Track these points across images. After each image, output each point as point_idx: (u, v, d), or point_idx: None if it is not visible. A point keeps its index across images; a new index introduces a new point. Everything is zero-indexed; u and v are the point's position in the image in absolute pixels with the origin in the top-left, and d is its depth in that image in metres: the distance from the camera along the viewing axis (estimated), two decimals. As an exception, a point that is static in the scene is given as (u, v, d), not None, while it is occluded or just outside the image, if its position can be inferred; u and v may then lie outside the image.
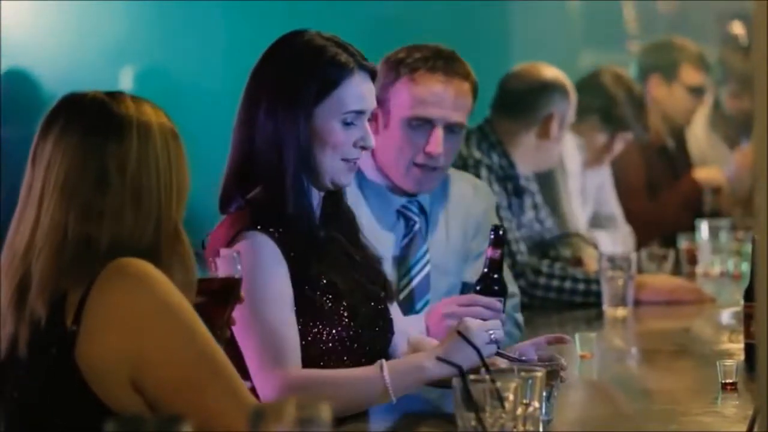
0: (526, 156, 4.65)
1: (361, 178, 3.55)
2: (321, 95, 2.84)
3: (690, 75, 6.10)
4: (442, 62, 3.52)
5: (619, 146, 5.34)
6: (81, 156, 2.31)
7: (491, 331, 2.71)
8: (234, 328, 2.66)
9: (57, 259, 2.29)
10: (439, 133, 3.49)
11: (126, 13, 5.64)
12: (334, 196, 2.96)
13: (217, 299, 2.51)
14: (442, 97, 3.49)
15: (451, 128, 3.51)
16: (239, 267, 2.53)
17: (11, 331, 2.31)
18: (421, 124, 3.51)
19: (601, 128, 5.27)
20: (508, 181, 4.57)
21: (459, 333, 2.94)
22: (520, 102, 4.66)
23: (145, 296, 2.26)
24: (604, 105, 5.26)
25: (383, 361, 2.74)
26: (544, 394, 2.47)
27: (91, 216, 2.30)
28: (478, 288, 3.14)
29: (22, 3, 5.32)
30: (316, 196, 2.91)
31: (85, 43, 5.70)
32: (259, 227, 2.78)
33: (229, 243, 2.76)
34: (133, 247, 2.30)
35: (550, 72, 4.78)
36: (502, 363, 2.72)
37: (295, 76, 2.84)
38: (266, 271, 2.75)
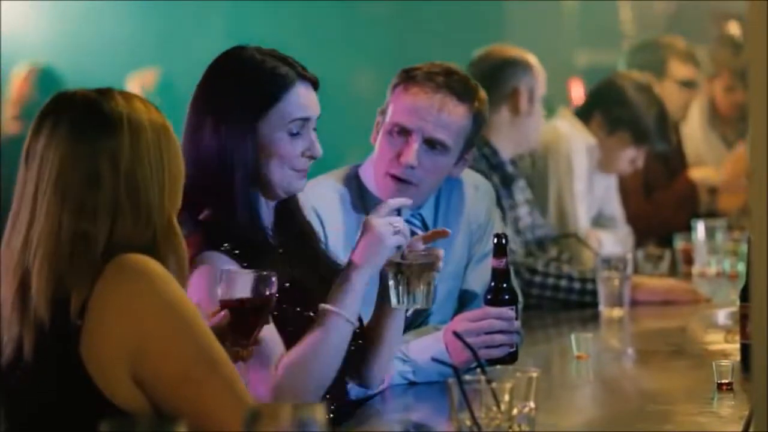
0: (504, 137, 4.63)
1: (363, 191, 3.53)
2: (264, 108, 2.86)
3: (679, 69, 6.10)
4: (443, 78, 3.46)
5: (642, 159, 5.33)
6: (72, 154, 2.32)
7: (396, 224, 2.82)
8: None
9: (54, 258, 2.30)
10: (414, 143, 3.42)
11: (147, 13, 5.66)
12: (288, 208, 2.97)
13: (247, 317, 2.54)
14: (425, 109, 3.43)
15: (432, 144, 3.44)
16: (273, 289, 2.55)
17: (16, 334, 2.31)
18: (401, 134, 3.45)
19: (632, 143, 5.26)
20: (493, 172, 4.54)
21: (454, 333, 2.95)
22: (484, 83, 4.66)
23: (145, 291, 2.28)
24: (636, 122, 5.24)
25: (321, 306, 2.78)
26: (426, 282, 2.80)
27: (85, 213, 2.31)
28: (488, 298, 3.14)
29: (46, 3, 5.35)
30: (267, 210, 2.92)
31: (108, 43, 5.73)
32: (214, 247, 2.78)
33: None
34: (131, 242, 2.31)
35: (510, 50, 4.79)
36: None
37: (237, 93, 2.86)
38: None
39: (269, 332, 2.74)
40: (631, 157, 5.28)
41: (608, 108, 5.25)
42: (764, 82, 1.92)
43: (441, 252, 2.87)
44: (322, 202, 3.37)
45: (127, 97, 2.39)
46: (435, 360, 2.91)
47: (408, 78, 3.48)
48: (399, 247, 2.84)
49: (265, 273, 2.55)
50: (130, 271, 2.29)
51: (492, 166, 4.55)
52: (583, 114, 5.27)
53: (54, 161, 2.32)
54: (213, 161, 2.84)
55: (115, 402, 2.26)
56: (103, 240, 2.31)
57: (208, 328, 2.33)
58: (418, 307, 2.87)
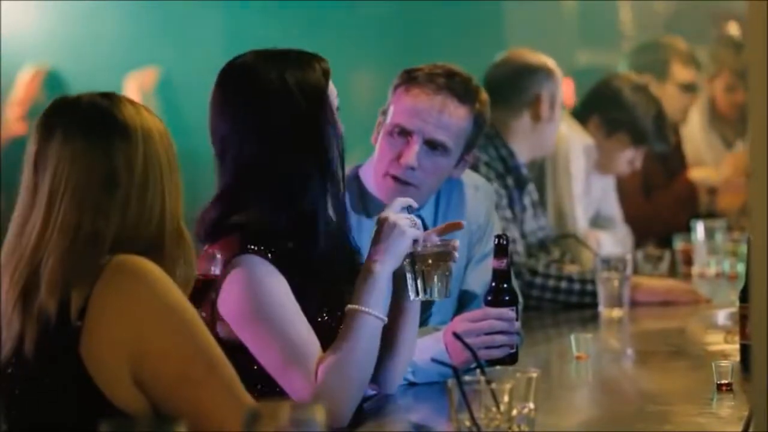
0: (523, 142, 4.65)
1: (363, 192, 3.53)
2: (323, 94, 2.84)
3: (681, 72, 6.10)
4: (444, 80, 3.45)
5: (640, 160, 5.33)
6: (90, 159, 2.36)
7: (411, 219, 2.83)
8: (252, 348, 2.72)
9: (67, 258, 2.33)
10: (415, 145, 3.42)
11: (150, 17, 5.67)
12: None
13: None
14: (426, 111, 3.42)
15: (432, 145, 3.44)
16: (215, 267, 2.55)
17: (17, 331, 2.33)
18: (401, 135, 3.45)
19: (630, 145, 5.26)
20: (508, 174, 4.55)
21: (454, 334, 2.95)
22: (505, 88, 4.67)
23: (144, 293, 2.30)
24: (634, 123, 5.24)
25: (349, 306, 2.77)
26: (443, 273, 2.82)
27: (101, 214, 2.35)
28: (488, 299, 3.14)
29: (46, 3, 5.36)
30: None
31: (108, 43, 5.73)
32: (252, 249, 2.75)
33: (223, 268, 2.74)
34: (137, 242, 2.34)
35: (533, 56, 4.79)
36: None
37: (286, 85, 2.81)
38: (272, 290, 2.74)
39: (307, 336, 2.74)
40: (629, 158, 5.29)
41: (605, 110, 5.26)
42: (764, 83, 1.92)
43: (456, 242, 2.88)
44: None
45: (135, 104, 2.44)
46: (434, 361, 2.90)
47: (409, 79, 3.48)
48: (415, 242, 2.84)
49: (217, 253, 2.56)
50: (128, 274, 2.31)
51: (508, 168, 4.56)
52: (580, 116, 5.27)
53: (72, 167, 2.36)
54: (282, 160, 2.80)
55: (114, 403, 2.27)
56: (111, 238, 2.34)
57: (206, 329, 2.35)
58: (435, 299, 2.89)
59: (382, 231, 2.82)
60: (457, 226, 2.96)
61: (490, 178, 4.41)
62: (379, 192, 3.48)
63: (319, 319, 2.80)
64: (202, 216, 2.84)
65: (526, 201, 4.68)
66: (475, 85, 3.52)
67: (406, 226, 2.81)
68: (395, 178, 3.44)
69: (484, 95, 3.53)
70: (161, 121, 2.45)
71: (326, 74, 2.86)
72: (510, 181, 4.56)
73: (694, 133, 6.47)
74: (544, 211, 4.92)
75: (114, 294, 2.29)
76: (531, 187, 4.73)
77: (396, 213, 2.84)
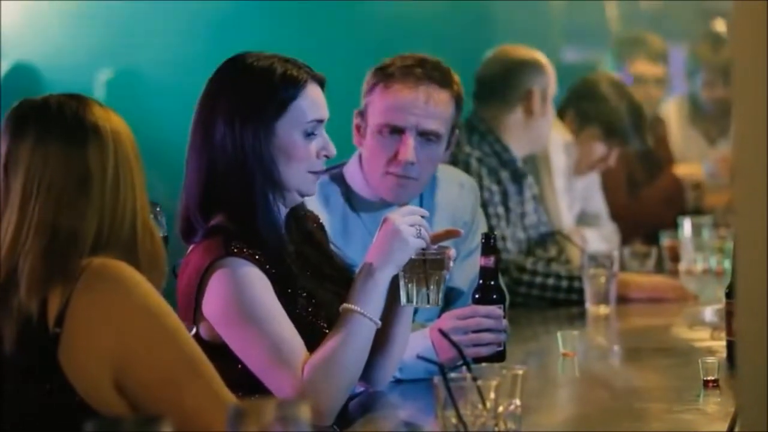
0: (517, 137, 4.66)
1: (350, 194, 3.53)
2: (279, 110, 2.83)
3: (642, 66, 6.15)
4: (420, 70, 3.47)
5: (614, 158, 5.33)
6: (64, 160, 2.37)
7: (418, 226, 2.81)
8: (237, 348, 2.73)
9: (46, 257, 2.33)
10: (409, 140, 3.44)
11: (121, 13, 5.65)
12: (296, 209, 2.96)
13: None
14: (413, 104, 3.44)
15: (426, 136, 3.46)
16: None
17: None
18: (393, 132, 3.47)
19: (601, 139, 5.26)
20: (504, 168, 4.56)
21: (440, 331, 2.95)
22: (497, 84, 4.69)
23: (125, 298, 2.30)
24: (606, 117, 5.25)
25: (344, 305, 2.78)
26: (436, 281, 2.80)
27: (77, 214, 2.35)
28: (476, 297, 3.14)
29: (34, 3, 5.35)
30: (281, 213, 2.90)
31: (83, 42, 5.71)
32: (234, 251, 2.76)
33: (206, 272, 2.75)
34: (115, 240, 2.36)
35: (523, 51, 4.80)
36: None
37: (251, 95, 2.83)
38: (256, 290, 2.74)
39: (292, 335, 2.74)
40: (601, 154, 5.28)
41: (580, 103, 5.28)
42: (749, 80, 1.93)
43: (452, 252, 2.87)
44: (308, 201, 3.38)
45: (104, 107, 2.46)
46: (420, 358, 2.90)
47: (385, 76, 3.49)
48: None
49: None
50: (107, 280, 2.31)
51: (503, 162, 4.57)
52: (559, 111, 5.27)
53: (46, 168, 2.36)
54: (228, 165, 2.81)
55: (94, 407, 2.28)
56: (91, 238, 2.35)
57: (186, 331, 2.37)
58: (428, 306, 2.86)
59: (386, 236, 2.81)
60: (455, 234, 2.96)
61: (482, 174, 4.42)
62: (381, 190, 3.49)
63: (303, 319, 2.80)
64: (185, 215, 2.85)
65: (527, 194, 4.69)
66: (447, 67, 3.55)
67: (410, 236, 2.80)
68: (396, 176, 3.46)
69: (457, 76, 3.56)
70: (125, 123, 2.46)
71: (296, 86, 2.84)
72: (505, 176, 4.56)
73: (673, 129, 6.49)
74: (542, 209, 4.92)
75: (94, 301, 2.30)
76: (530, 180, 4.73)
77: (402, 218, 2.83)
